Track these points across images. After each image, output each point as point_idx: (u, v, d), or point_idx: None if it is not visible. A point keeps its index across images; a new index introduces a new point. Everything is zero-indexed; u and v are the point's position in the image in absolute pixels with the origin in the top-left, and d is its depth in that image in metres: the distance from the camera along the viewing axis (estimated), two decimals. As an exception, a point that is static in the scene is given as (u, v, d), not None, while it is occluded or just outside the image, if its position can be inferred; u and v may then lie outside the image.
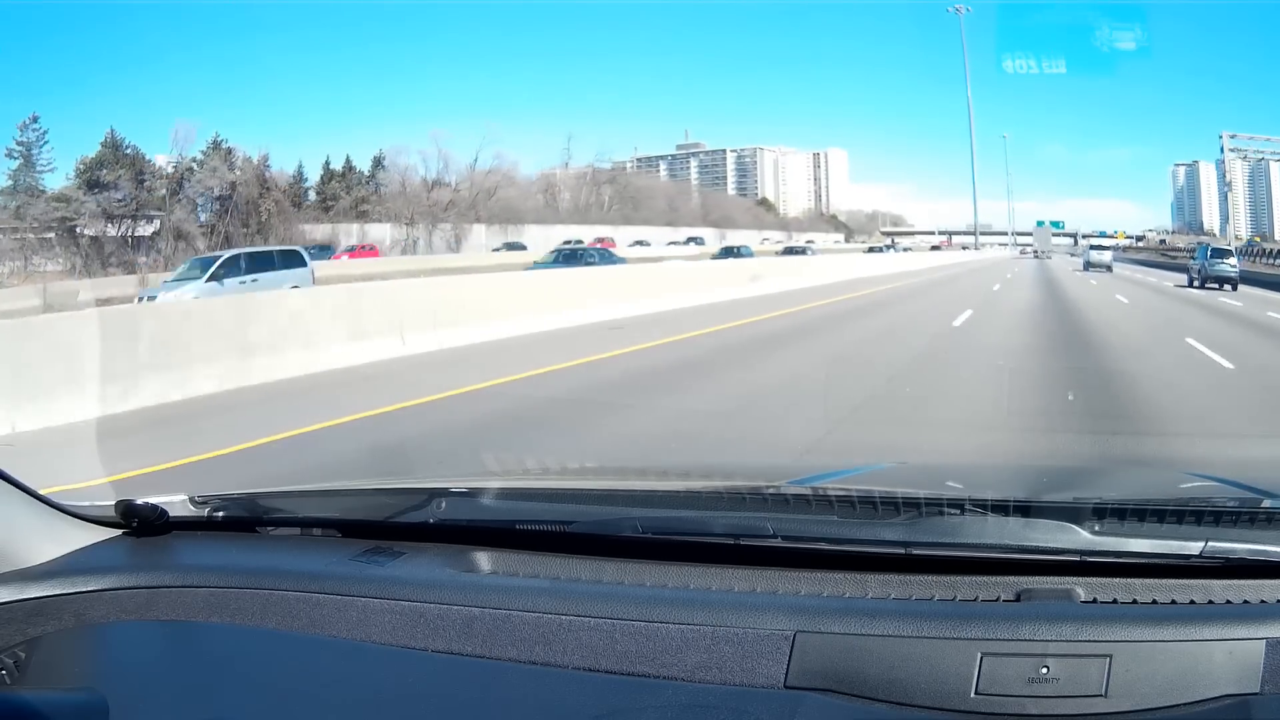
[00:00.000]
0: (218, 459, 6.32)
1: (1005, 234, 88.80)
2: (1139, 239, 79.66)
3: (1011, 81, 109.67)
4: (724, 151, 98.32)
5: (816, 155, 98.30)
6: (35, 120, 48.71)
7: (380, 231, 59.94)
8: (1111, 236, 79.95)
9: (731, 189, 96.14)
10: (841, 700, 1.23)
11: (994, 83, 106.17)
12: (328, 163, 65.12)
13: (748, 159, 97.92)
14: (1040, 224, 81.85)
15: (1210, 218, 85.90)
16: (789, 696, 1.24)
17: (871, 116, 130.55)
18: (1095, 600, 1.33)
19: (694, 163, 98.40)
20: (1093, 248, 51.50)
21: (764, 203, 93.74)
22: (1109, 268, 42.16)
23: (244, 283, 19.73)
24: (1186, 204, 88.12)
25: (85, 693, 1.30)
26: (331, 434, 7.08)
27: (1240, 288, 29.66)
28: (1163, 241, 73.58)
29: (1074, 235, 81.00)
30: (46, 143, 48.93)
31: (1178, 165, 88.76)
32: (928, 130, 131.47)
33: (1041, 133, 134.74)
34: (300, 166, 63.85)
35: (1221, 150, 57.11)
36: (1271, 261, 43.55)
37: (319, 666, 1.41)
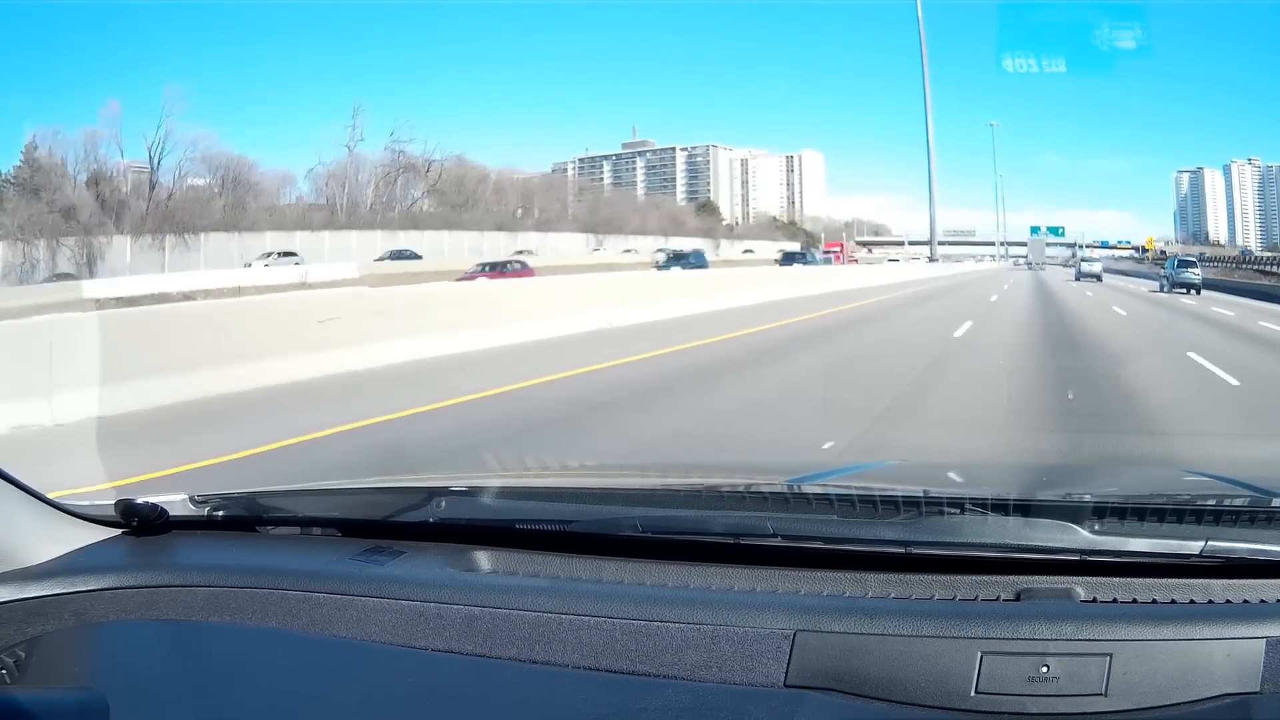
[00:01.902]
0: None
1: (993, 244, 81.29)
2: (1143, 250, 77.34)
3: (1010, 90, 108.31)
4: (673, 150, 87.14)
5: (789, 158, 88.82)
6: None
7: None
8: (1113, 247, 75.70)
9: (681, 192, 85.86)
10: (842, 699, 1.23)
11: (993, 90, 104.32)
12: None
13: (700, 158, 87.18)
14: (1035, 231, 75.32)
15: (1217, 227, 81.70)
16: (789, 696, 1.24)
17: (862, 125, 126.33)
18: (1095, 599, 1.34)
19: (640, 163, 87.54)
20: (1083, 260, 55.50)
21: (706, 206, 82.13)
22: (1099, 277, 46.21)
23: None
24: (1191, 213, 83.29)
25: (85, 693, 1.30)
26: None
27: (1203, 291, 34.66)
28: (1162, 253, 71.87)
29: (1073, 245, 75.07)
30: None
31: (1181, 172, 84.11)
32: (921, 141, 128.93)
33: (1039, 141, 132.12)
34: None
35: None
36: (1262, 269, 45.91)
37: (319, 666, 1.41)
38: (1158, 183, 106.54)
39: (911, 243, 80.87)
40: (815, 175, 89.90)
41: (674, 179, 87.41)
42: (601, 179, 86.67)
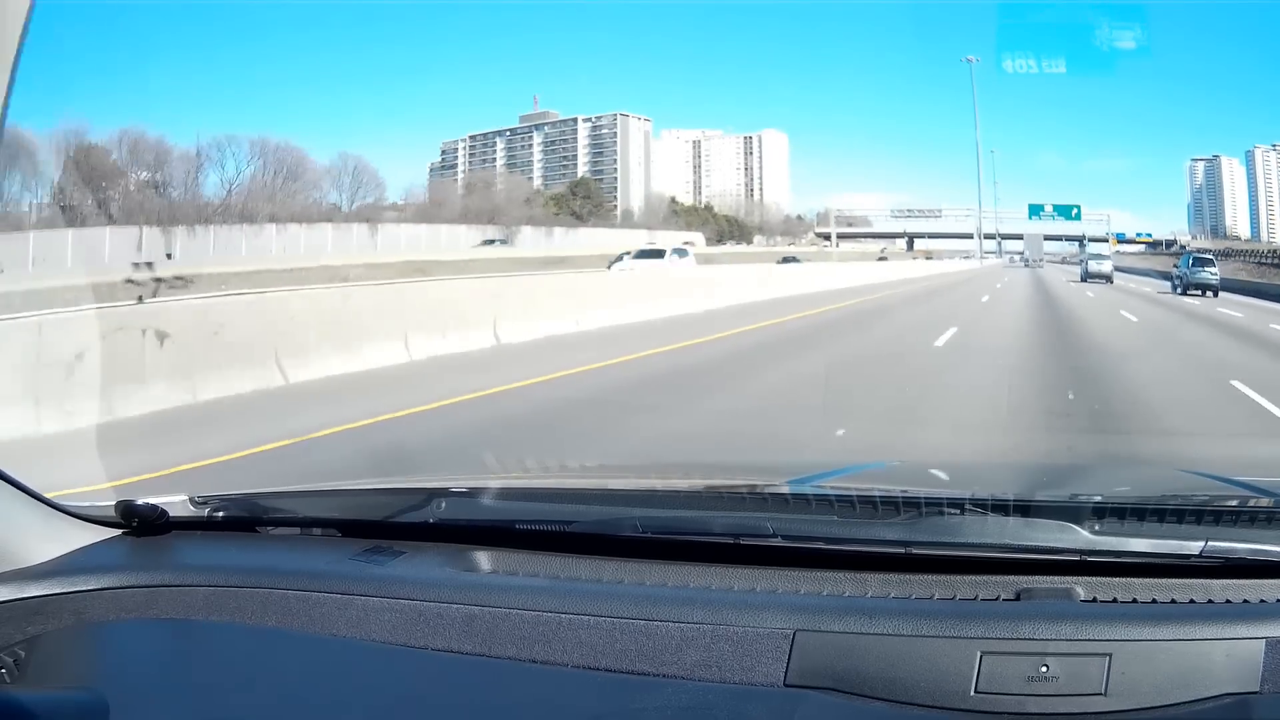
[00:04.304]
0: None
1: (971, 236, 69.30)
2: (1169, 244, 69.09)
3: (1012, 90, 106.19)
4: (574, 121, 72.34)
5: (748, 139, 74.75)
6: None
7: None
8: (1129, 240, 67.90)
9: (584, 170, 70.78)
10: (841, 699, 1.23)
11: (994, 90, 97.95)
12: None
13: (605, 131, 72.13)
14: (1036, 212, 62.07)
15: (1236, 220, 73.79)
16: (789, 695, 1.24)
17: (864, 122, 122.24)
18: (1095, 599, 1.34)
19: (537, 138, 72.96)
20: (1091, 257, 43.83)
21: (580, 185, 67.45)
22: (1109, 278, 39.18)
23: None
24: (1206, 205, 74.98)
25: (85, 692, 1.30)
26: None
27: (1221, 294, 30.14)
28: (1184, 248, 66.81)
29: (1081, 237, 63.24)
30: None
31: (1195, 160, 75.67)
32: (919, 138, 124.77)
33: (1040, 142, 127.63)
34: None
35: None
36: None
37: (319, 666, 1.42)
38: (1165, 180, 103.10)
39: (871, 235, 70.48)
40: (778, 159, 75.97)
41: (575, 156, 72.98)
42: (494, 159, 73.66)
